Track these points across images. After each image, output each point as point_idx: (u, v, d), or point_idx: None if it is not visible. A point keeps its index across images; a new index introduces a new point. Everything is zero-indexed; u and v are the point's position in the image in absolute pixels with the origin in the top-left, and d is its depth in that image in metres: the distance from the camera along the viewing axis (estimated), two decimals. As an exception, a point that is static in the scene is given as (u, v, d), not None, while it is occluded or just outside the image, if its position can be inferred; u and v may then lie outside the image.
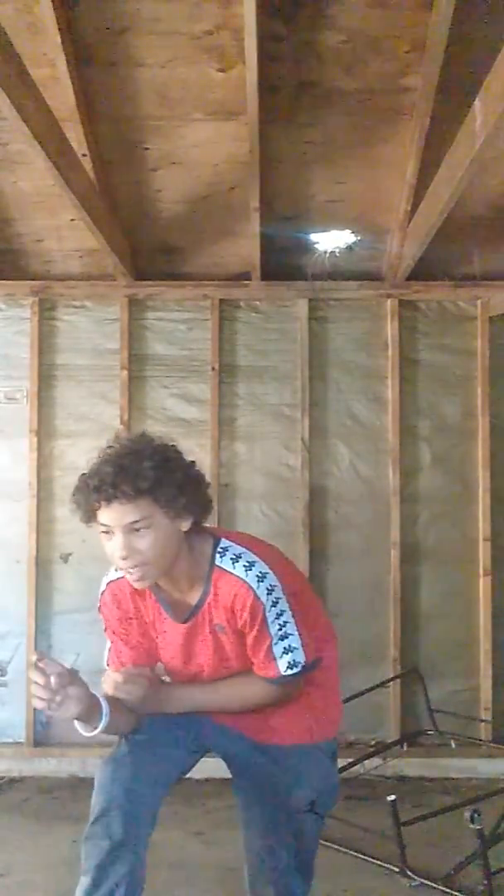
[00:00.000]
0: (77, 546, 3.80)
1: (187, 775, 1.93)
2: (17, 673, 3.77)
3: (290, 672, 1.74)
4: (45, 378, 3.84)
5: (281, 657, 1.74)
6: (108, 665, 1.91)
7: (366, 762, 3.36)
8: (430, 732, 3.65)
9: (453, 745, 3.64)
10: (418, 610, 3.79)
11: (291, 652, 1.73)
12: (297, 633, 1.74)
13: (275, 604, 1.72)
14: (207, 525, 1.85)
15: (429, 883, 2.59)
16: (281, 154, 3.26)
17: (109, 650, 1.92)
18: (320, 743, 1.91)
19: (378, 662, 3.73)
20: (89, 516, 1.72)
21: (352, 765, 3.29)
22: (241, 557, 1.74)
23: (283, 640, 1.73)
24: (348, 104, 3.03)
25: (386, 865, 2.70)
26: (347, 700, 3.54)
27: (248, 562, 1.73)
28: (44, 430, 3.83)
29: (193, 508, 1.74)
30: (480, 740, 3.67)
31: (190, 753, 1.87)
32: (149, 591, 1.83)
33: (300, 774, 1.85)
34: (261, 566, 1.73)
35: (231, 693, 1.82)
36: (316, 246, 3.75)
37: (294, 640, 1.74)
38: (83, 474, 1.74)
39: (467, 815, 2.39)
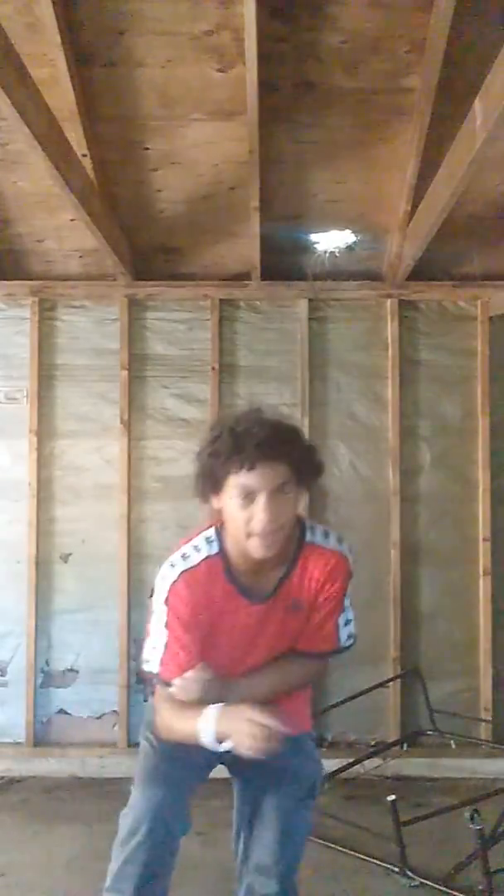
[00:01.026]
0: (77, 546, 3.81)
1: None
2: (17, 673, 3.77)
3: (348, 643, 1.82)
4: (45, 378, 3.84)
5: (342, 629, 1.81)
6: (161, 664, 1.73)
7: (366, 762, 3.35)
8: (430, 732, 3.65)
9: (453, 745, 3.64)
10: (418, 610, 3.79)
11: (349, 624, 1.82)
12: (351, 607, 1.83)
13: (351, 577, 1.82)
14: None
15: (429, 883, 2.59)
16: (281, 154, 3.26)
17: (165, 649, 1.73)
18: (310, 729, 1.98)
19: (378, 662, 3.72)
20: (218, 484, 1.66)
21: (352, 765, 3.28)
22: (329, 533, 1.81)
23: (345, 612, 1.81)
24: (348, 104, 3.03)
25: (386, 865, 2.70)
26: (347, 700, 3.56)
27: (338, 537, 1.81)
28: (44, 430, 3.83)
29: (310, 487, 1.77)
30: (480, 740, 3.67)
31: (209, 767, 1.87)
32: (222, 577, 1.76)
33: (305, 760, 1.89)
34: (347, 542, 1.82)
35: (279, 678, 1.82)
36: (316, 246, 3.75)
37: (351, 614, 1.83)
38: (217, 436, 1.66)
39: (467, 815, 2.39)
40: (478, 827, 2.39)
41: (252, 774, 1.91)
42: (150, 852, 1.67)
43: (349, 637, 1.83)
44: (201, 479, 1.70)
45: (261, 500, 1.61)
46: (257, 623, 1.78)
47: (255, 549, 1.66)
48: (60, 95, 2.85)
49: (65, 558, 3.81)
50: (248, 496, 1.62)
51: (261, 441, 1.61)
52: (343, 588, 1.79)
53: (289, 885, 1.87)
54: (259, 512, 1.62)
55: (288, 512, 1.66)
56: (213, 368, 3.82)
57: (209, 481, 1.68)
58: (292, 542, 1.76)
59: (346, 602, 1.82)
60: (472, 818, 2.38)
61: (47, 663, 3.79)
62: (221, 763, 1.89)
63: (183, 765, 1.76)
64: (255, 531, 1.63)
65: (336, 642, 1.81)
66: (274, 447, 1.61)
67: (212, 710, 1.59)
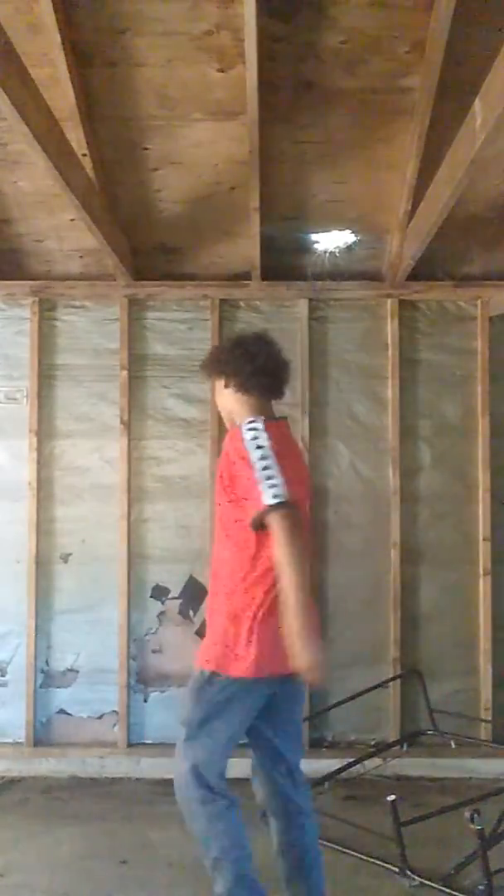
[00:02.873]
0: (77, 546, 3.81)
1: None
2: (17, 673, 3.77)
3: (275, 501, 2.04)
4: (45, 378, 3.85)
5: (266, 490, 2.06)
6: (286, 490, 2.06)
7: (366, 762, 3.36)
8: (430, 732, 3.65)
9: (453, 746, 3.64)
10: (418, 610, 3.79)
11: (274, 487, 2.06)
12: (279, 477, 2.07)
13: (260, 448, 2.10)
14: (275, 414, 2.33)
15: (429, 883, 2.59)
16: (281, 154, 3.26)
17: (281, 476, 2.08)
18: None
19: (378, 662, 3.72)
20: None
21: (352, 765, 3.29)
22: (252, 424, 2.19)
23: (267, 479, 2.07)
24: (348, 104, 3.04)
25: (386, 865, 2.70)
26: (347, 700, 3.56)
27: (251, 427, 2.16)
28: (44, 430, 3.83)
29: (222, 376, 2.33)
30: (480, 740, 3.67)
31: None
32: None
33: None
34: (257, 432, 2.14)
35: (292, 573, 2.03)
36: (316, 246, 3.76)
37: (277, 481, 2.07)
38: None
39: (467, 815, 2.39)
40: (478, 827, 2.39)
41: (286, 701, 2.26)
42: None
43: (276, 496, 2.04)
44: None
45: None
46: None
47: None
48: (60, 95, 2.86)
49: (65, 558, 3.81)
50: None
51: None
52: (244, 456, 2.09)
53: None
54: None
55: (219, 400, 2.37)
56: (213, 368, 3.82)
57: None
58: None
59: (262, 469, 2.07)
60: (472, 818, 2.38)
61: (47, 663, 3.79)
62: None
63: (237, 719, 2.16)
64: None
65: (263, 502, 2.05)
66: (202, 365, 2.44)
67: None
